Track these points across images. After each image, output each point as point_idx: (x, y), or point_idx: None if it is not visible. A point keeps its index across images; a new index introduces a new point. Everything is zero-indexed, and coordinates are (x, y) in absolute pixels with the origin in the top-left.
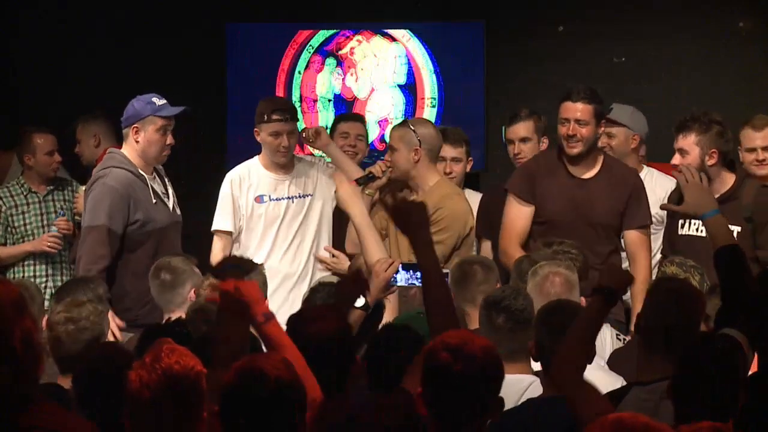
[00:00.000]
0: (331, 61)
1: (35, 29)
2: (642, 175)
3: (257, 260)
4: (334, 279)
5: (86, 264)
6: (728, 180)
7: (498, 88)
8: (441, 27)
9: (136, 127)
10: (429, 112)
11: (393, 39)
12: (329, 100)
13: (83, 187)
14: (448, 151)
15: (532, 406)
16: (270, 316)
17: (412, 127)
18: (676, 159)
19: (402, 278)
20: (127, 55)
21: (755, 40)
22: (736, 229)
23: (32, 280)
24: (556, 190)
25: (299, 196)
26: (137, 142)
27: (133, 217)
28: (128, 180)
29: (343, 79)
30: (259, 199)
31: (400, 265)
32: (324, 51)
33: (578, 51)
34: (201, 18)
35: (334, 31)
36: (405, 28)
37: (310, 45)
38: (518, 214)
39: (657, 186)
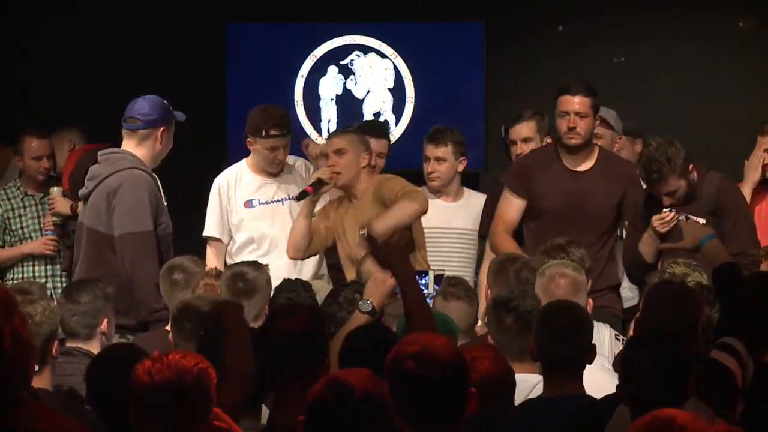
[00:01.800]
0: (333, 69)
1: (36, 29)
2: None
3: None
4: (319, 281)
5: (143, 276)
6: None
7: (498, 88)
8: (441, 27)
9: (164, 130)
10: (408, 108)
11: (384, 56)
12: (331, 99)
13: (56, 188)
14: (430, 151)
15: (532, 406)
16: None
17: (360, 132)
18: (668, 200)
19: None
20: (127, 55)
21: (755, 40)
22: (700, 221)
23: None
24: (551, 184)
25: (289, 198)
26: (159, 144)
27: (159, 220)
28: (152, 182)
29: (344, 83)
30: (248, 204)
31: None
32: (328, 61)
33: (578, 51)
34: (201, 18)
35: (340, 44)
36: (405, 27)
37: (313, 54)
38: (509, 206)
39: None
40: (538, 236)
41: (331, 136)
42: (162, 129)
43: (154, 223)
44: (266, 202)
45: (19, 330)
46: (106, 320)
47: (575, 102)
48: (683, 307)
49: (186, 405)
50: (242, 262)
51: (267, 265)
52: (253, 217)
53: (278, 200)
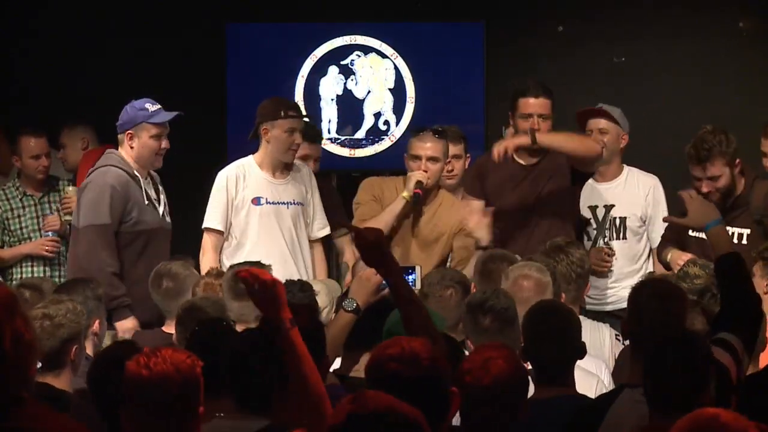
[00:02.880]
0: (333, 69)
1: (36, 29)
2: (623, 174)
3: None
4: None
5: (98, 266)
6: (739, 184)
7: (498, 88)
8: (441, 27)
9: (131, 133)
10: (408, 108)
11: (384, 56)
12: (332, 99)
13: (71, 188)
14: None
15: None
16: (294, 324)
17: (447, 140)
18: (708, 186)
19: None
20: (127, 55)
21: (755, 40)
22: (745, 231)
23: None
24: (504, 182)
25: (295, 203)
26: (132, 147)
27: (128, 216)
28: (125, 179)
29: (345, 83)
30: (256, 201)
31: None
32: (328, 62)
33: (578, 51)
34: (201, 18)
35: (341, 45)
36: (405, 28)
37: (314, 54)
38: None
39: (639, 184)
40: (499, 235)
41: (424, 138)
42: (128, 132)
43: (120, 217)
44: (273, 202)
45: (21, 330)
46: (97, 321)
47: (537, 104)
48: (665, 305)
49: (184, 399)
50: (245, 263)
51: (270, 266)
52: (258, 215)
53: (284, 202)
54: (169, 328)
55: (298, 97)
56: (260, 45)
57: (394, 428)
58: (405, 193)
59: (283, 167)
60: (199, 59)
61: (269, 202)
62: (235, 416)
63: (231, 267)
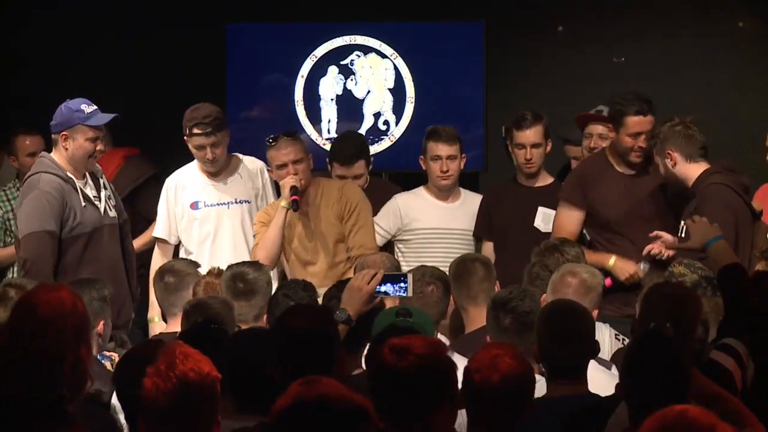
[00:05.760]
0: (333, 69)
1: (35, 29)
2: None
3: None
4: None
5: (41, 273)
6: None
7: (498, 88)
8: (441, 27)
9: (65, 135)
10: (408, 108)
11: (384, 56)
12: (332, 99)
13: None
14: (443, 149)
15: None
16: None
17: (301, 138)
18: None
19: (387, 290)
20: (127, 54)
21: (755, 40)
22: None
23: None
24: (609, 191)
25: (236, 202)
26: (66, 149)
27: (65, 222)
28: (59, 184)
29: (345, 83)
30: (194, 205)
31: (384, 276)
32: (328, 62)
33: (578, 51)
34: (201, 18)
35: (340, 44)
36: (405, 28)
37: (314, 54)
38: (568, 218)
39: None
40: (609, 245)
41: (281, 146)
42: (63, 134)
43: (61, 224)
44: (211, 205)
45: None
46: (102, 322)
47: (647, 122)
48: (676, 308)
49: (199, 417)
50: (243, 263)
51: (267, 265)
52: (197, 218)
53: (224, 203)
54: (170, 326)
55: (298, 97)
56: (260, 45)
57: (339, 416)
58: (283, 203)
59: (223, 168)
60: (199, 59)
61: (208, 205)
62: (234, 416)
63: (229, 267)
